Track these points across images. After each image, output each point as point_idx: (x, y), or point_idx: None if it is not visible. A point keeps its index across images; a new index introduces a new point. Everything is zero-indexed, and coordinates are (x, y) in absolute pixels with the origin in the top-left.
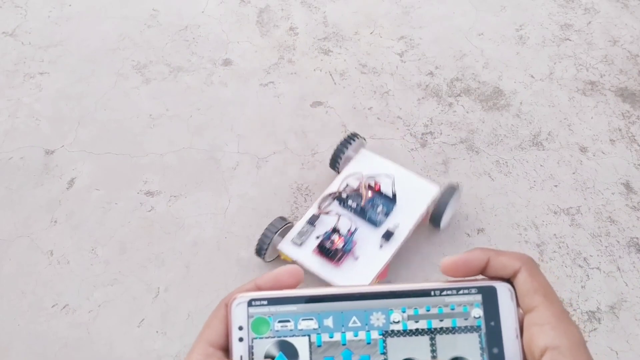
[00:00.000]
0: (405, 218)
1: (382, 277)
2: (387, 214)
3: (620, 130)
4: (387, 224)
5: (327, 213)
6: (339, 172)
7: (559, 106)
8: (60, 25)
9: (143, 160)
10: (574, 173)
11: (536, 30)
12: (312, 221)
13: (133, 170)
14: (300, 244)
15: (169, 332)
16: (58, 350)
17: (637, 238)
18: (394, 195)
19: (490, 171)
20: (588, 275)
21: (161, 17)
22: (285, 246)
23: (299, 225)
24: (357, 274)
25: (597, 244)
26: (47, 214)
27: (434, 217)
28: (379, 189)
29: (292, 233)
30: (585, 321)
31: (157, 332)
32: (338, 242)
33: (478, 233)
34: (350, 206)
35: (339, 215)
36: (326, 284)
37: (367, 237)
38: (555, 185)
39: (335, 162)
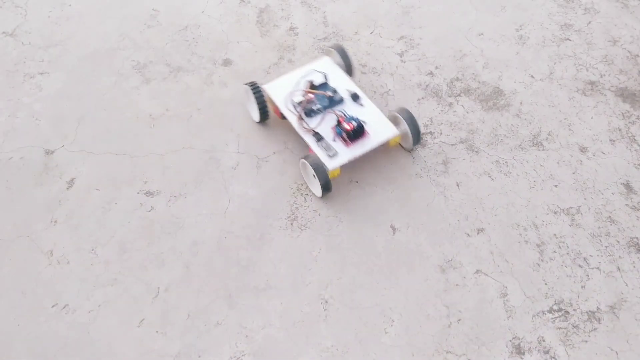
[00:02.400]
0: (342, 82)
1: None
2: (335, 91)
3: (620, 130)
4: (343, 95)
5: (319, 124)
6: (265, 118)
7: (559, 106)
8: (60, 25)
9: (143, 160)
10: (574, 173)
11: (536, 30)
12: (319, 137)
13: (133, 170)
14: (336, 153)
15: (169, 332)
16: (58, 350)
17: (637, 238)
18: (326, 77)
19: (490, 171)
20: (588, 275)
21: (161, 17)
22: (331, 164)
23: (317, 149)
24: (379, 128)
25: (597, 244)
26: (47, 214)
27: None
28: (312, 85)
29: (321, 154)
30: (585, 321)
31: (157, 332)
32: (351, 125)
33: (478, 233)
34: (317, 109)
35: (329, 112)
36: (369, 151)
37: (349, 111)
38: (555, 185)
39: (265, 111)
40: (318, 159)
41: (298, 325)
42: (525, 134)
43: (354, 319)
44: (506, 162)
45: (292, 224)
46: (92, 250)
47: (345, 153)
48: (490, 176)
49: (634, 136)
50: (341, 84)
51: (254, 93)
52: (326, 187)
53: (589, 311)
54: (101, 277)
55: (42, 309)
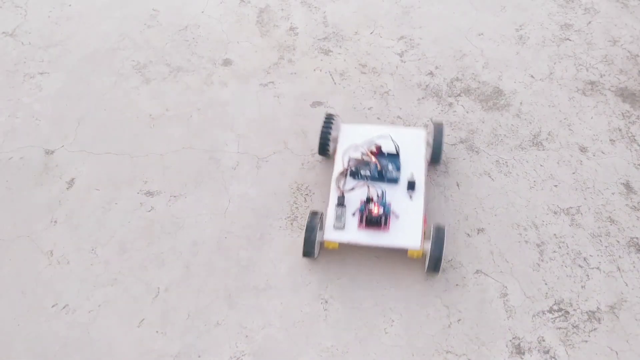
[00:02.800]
0: (414, 165)
1: (425, 223)
2: (398, 169)
3: (620, 130)
4: (404, 177)
5: (352, 189)
6: (328, 156)
7: (559, 106)
8: (60, 25)
9: (143, 160)
10: (574, 173)
11: (536, 30)
12: (341, 202)
13: (133, 170)
14: (343, 227)
15: (169, 332)
16: (58, 350)
17: (637, 238)
18: (397, 149)
19: (490, 171)
20: (588, 275)
21: (161, 17)
22: (330, 235)
23: (331, 211)
24: (405, 230)
25: (597, 244)
26: (47, 214)
27: (434, 156)
28: (380, 150)
29: (329, 221)
30: (585, 321)
31: (157, 332)
32: (377, 210)
33: (478, 233)
34: (365, 175)
35: (368, 185)
36: (380, 250)
37: (394, 196)
38: (555, 185)
39: (325, 148)
40: (320, 221)
41: (298, 325)
42: (525, 134)
43: (354, 319)
44: (506, 162)
45: (292, 224)
46: (92, 250)
47: (352, 233)
48: (490, 176)
49: (634, 136)
50: (413, 165)
51: (323, 125)
52: (307, 251)
53: (589, 311)
54: (101, 277)
55: (42, 309)
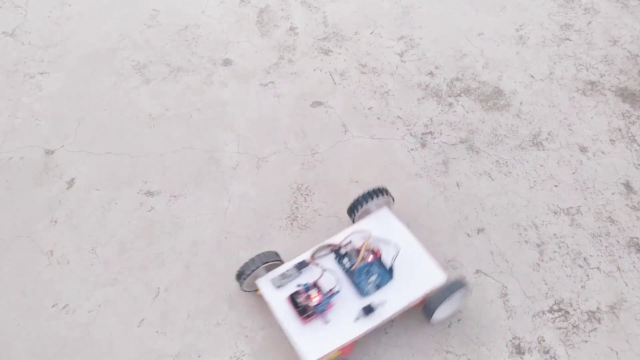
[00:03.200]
0: (396, 298)
1: (345, 352)
2: (378, 286)
3: (620, 130)
4: (374, 297)
5: (316, 264)
6: (353, 222)
7: (559, 106)
8: (60, 25)
9: (143, 160)
10: (574, 173)
11: (536, 30)
12: (301, 267)
13: (133, 170)
14: (279, 286)
15: (169, 332)
16: (58, 350)
17: (637, 238)
18: (391, 270)
19: (490, 171)
20: (588, 275)
21: (161, 17)
22: (264, 283)
23: (286, 266)
24: (321, 338)
25: (597, 244)
26: (47, 214)
27: (427, 308)
28: (380, 257)
29: (276, 272)
30: (585, 321)
31: (157, 332)
32: (313, 299)
33: (478, 233)
34: (344, 265)
35: (324, 271)
36: (288, 335)
37: (347, 304)
38: (555, 185)
39: (353, 211)
40: (266, 266)
41: None
42: (525, 134)
43: None
44: (506, 162)
45: (292, 224)
46: (92, 250)
47: (277, 299)
48: (490, 176)
49: (634, 136)
50: (397, 296)
51: (367, 192)
52: (238, 275)
53: (589, 311)
54: (101, 277)
55: (42, 309)
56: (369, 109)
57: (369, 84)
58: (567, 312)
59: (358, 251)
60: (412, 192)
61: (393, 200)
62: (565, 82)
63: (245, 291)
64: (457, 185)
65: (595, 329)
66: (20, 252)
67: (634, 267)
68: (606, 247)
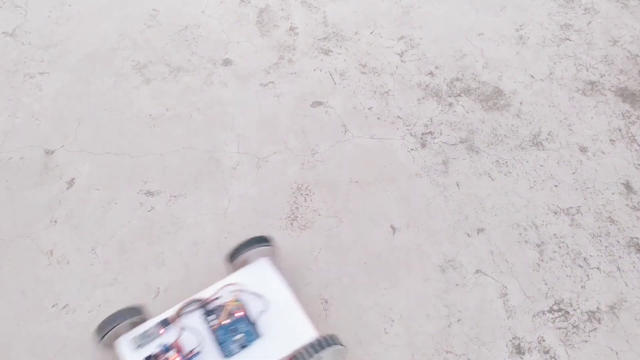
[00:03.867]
0: (263, 356)
1: None
2: (243, 346)
3: (620, 130)
4: (240, 357)
5: (176, 323)
6: (233, 269)
7: (559, 106)
8: (60, 25)
9: (143, 160)
10: (574, 173)
11: (536, 30)
12: (165, 323)
13: (133, 170)
14: (138, 346)
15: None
16: (58, 350)
17: (637, 238)
18: (255, 327)
19: (490, 171)
20: (588, 275)
21: (161, 17)
22: (123, 343)
23: (149, 323)
24: None
25: (597, 244)
26: (47, 214)
27: None
28: (245, 314)
29: (137, 331)
30: (585, 321)
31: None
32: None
33: (478, 233)
34: (210, 322)
35: (182, 330)
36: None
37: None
38: (555, 185)
39: (234, 257)
40: (126, 318)
41: None
42: (525, 134)
43: (354, 319)
44: (506, 162)
45: (292, 224)
46: (92, 250)
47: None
48: (490, 176)
49: (634, 136)
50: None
51: (251, 239)
52: (98, 331)
53: (589, 311)
54: (101, 277)
55: (42, 309)
56: (369, 109)
57: (369, 84)
58: (567, 312)
59: (225, 307)
60: (412, 192)
61: (277, 247)
62: (565, 82)
63: (103, 344)
64: (457, 185)
65: (595, 329)
66: (20, 252)
67: (634, 267)
68: (606, 247)
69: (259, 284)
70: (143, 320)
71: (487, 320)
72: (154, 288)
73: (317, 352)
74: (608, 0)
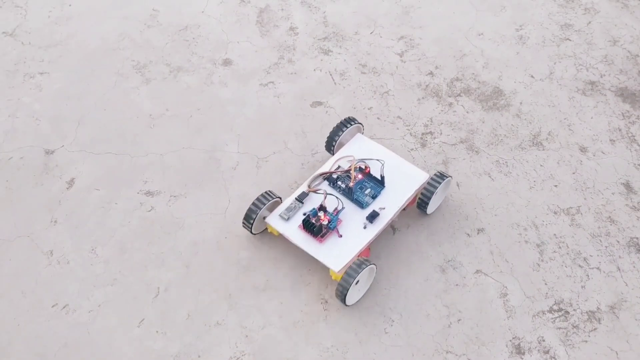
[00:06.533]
0: (391, 202)
1: (363, 255)
2: (374, 197)
3: (620, 130)
4: (374, 206)
5: (315, 191)
6: (332, 153)
7: (559, 106)
8: (60, 25)
9: (143, 160)
10: (574, 173)
11: (536, 30)
12: (301, 198)
13: (133, 170)
14: (288, 219)
15: (169, 332)
16: (58, 350)
17: (637, 238)
18: (382, 179)
19: (490, 171)
20: (588, 275)
21: (161, 17)
22: (273, 220)
23: (288, 201)
24: (339, 250)
25: (597, 244)
26: (47, 214)
27: (421, 203)
28: (369, 172)
29: (281, 208)
30: (585, 321)
31: (157, 332)
32: (323, 219)
33: (478, 233)
34: (340, 186)
35: (326, 193)
36: (310, 258)
37: (352, 217)
38: (555, 185)
39: (331, 145)
40: (268, 202)
41: (298, 325)
42: (525, 134)
43: (354, 319)
44: (506, 162)
45: None
46: (92, 250)
47: (291, 229)
48: (490, 176)
49: (634, 136)
50: (391, 201)
51: (338, 125)
52: (245, 221)
53: (589, 311)
54: (101, 277)
55: (42, 309)
56: (369, 109)
57: (369, 84)
58: (567, 312)
59: (348, 173)
60: None
61: (362, 126)
62: (565, 82)
63: (255, 234)
64: (457, 185)
65: (595, 329)
66: (20, 252)
67: (634, 267)
68: (606, 247)
69: (363, 152)
70: (278, 202)
71: (487, 320)
72: (154, 288)
73: (435, 188)
74: (608, 0)
